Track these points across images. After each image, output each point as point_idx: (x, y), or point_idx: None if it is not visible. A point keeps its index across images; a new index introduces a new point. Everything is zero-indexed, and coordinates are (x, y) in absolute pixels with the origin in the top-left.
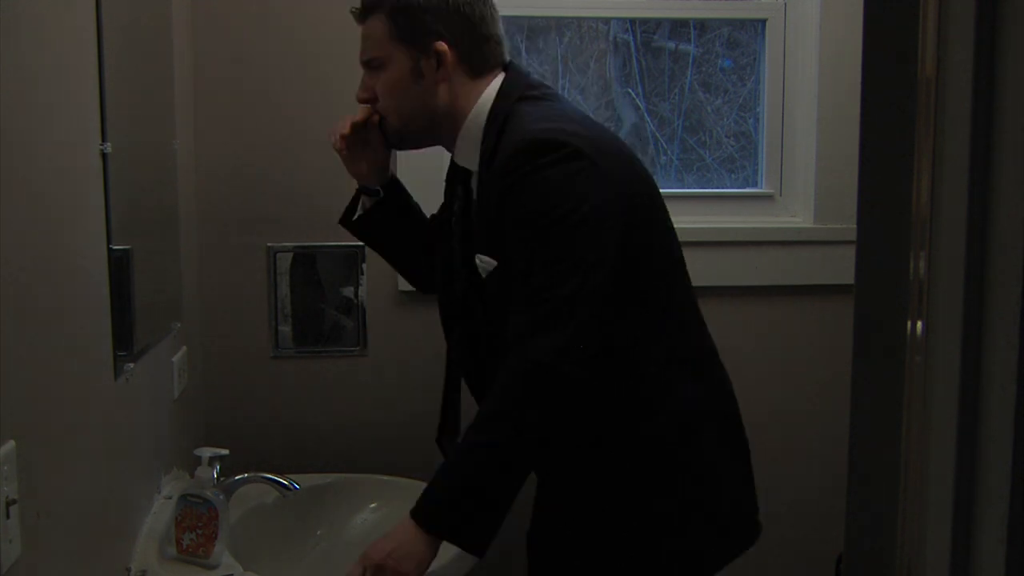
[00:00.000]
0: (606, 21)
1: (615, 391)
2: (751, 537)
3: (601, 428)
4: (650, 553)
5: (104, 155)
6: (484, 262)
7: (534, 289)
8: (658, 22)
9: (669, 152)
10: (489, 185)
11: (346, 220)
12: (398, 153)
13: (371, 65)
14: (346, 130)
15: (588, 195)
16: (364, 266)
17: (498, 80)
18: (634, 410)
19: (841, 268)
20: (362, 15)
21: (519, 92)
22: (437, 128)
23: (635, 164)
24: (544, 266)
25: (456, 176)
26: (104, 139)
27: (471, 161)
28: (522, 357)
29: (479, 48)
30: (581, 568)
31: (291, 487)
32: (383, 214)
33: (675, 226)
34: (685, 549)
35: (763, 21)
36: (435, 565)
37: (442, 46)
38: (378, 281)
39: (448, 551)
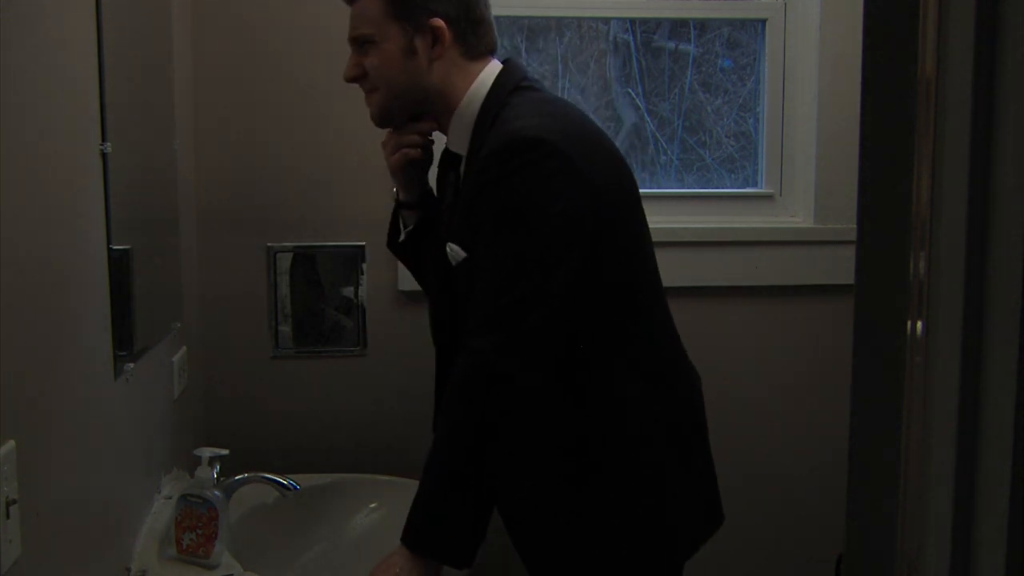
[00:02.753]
0: (606, 21)
1: (574, 397)
2: (715, 525)
3: (556, 435)
4: (601, 562)
5: (104, 155)
6: (454, 251)
7: (489, 286)
8: (658, 22)
9: (669, 152)
10: (470, 178)
11: (393, 243)
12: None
13: (359, 43)
14: (417, 153)
15: (560, 196)
16: (364, 266)
17: (493, 67)
18: (590, 418)
19: (841, 268)
20: None
21: (514, 83)
22: (427, 106)
23: (619, 167)
24: (501, 264)
25: (449, 163)
26: (104, 139)
27: (462, 146)
28: (465, 357)
29: (474, 29)
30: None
31: (291, 487)
32: (429, 226)
33: (675, 226)
34: (634, 559)
35: (763, 21)
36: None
37: (439, 23)
38: (378, 281)
39: None
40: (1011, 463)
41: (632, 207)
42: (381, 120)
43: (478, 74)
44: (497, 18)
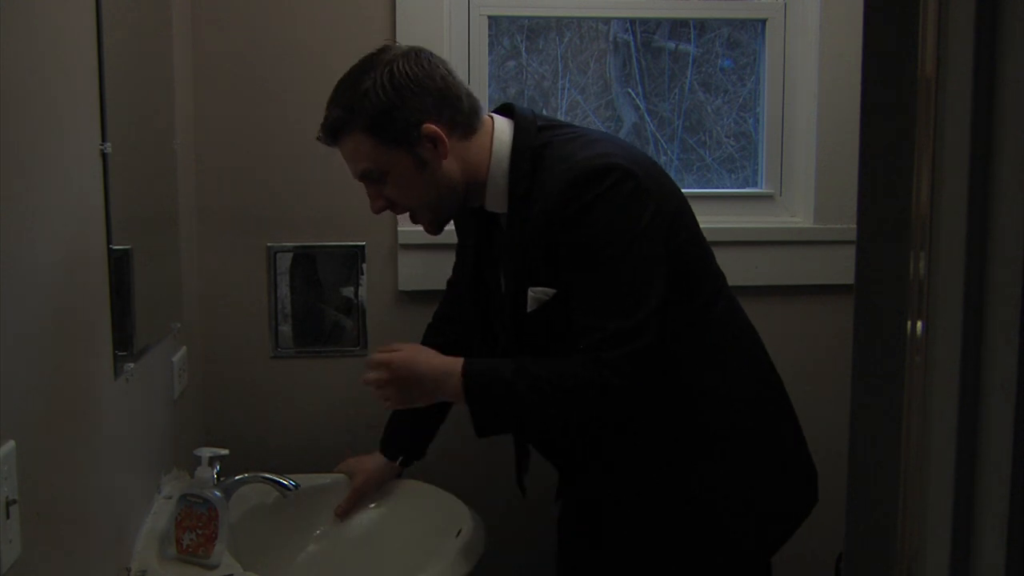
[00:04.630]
0: (606, 21)
1: (660, 385)
2: (806, 508)
3: (648, 419)
4: (692, 542)
5: (104, 155)
6: (539, 293)
7: (611, 301)
8: (658, 22)
9: (669, 152)
10: (540, 218)
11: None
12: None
13: (371, 177)
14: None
15: (641, 215)
16: (364, 266)
17: (500, 124)
18: (677, 401)
19: (841, 268)
20: (333, 138)
21: (534, 125)
22: (462, 196)
23: (657, 168)
24: (615, 280)
25: (482, 219)
26: (104, 139)
27: (501, 204)
28: (598, 355)
29: (458, 109)
30: (619, 559)
31: (291, 487)
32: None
33: None
34: (728, 538)
35: (763, 21)
36: (436, 567)
37: (430, 128)
38: (378, 281)
39: (448, 555)
40: (1011, 463)
41: (684, 209)
42: (437, 231)
43: (488, 139)
44: (497, 18)
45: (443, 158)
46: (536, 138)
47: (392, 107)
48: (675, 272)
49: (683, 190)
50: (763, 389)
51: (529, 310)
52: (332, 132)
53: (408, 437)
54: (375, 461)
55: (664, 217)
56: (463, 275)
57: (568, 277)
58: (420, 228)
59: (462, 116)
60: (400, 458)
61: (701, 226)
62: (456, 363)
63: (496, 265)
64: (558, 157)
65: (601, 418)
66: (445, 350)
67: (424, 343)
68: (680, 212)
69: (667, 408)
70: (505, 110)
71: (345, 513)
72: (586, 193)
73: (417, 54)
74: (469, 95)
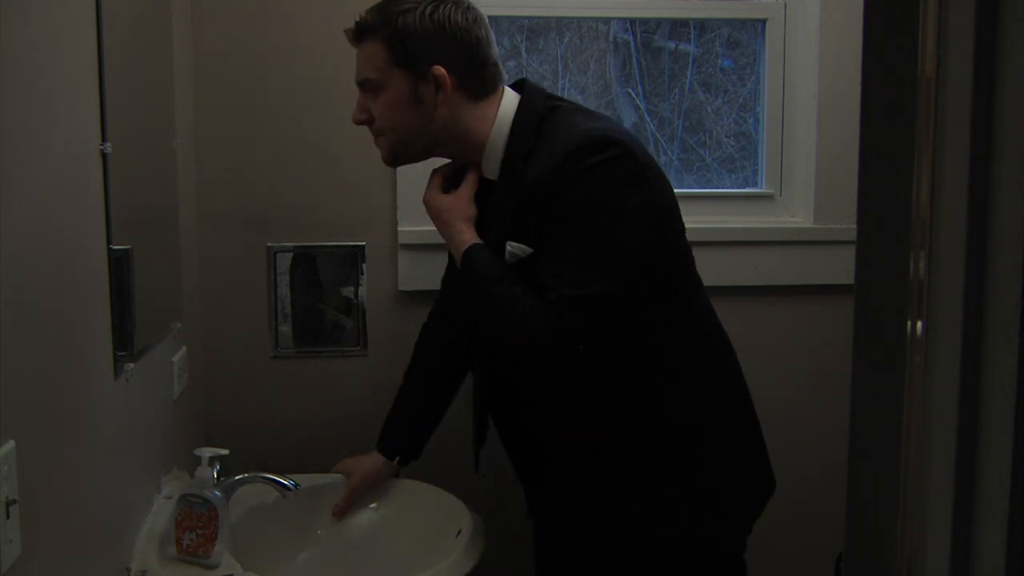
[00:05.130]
0: (606, 21)
1: (634, 378)
2: (760, 504)
3: (620, 415)
4: (659, 539)
5: (104, 155)
6: (516, 248)
7: (574, 267)
8: (658, 22)
9: (669, 152)
10: (537, 179)
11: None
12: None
13: (367, 87)
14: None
15: (633, 194)
16: (364, 266)
17: (510, 97)
18: (652, 397)
19: (841, 268)
20: (357, 37)
21: (543, 98)
22: (437, 148)
23: (663, 174)
24: (585, 250)
25: (483, 192)
26: (104, 139)
27: (496, 170)
28: (547, 317)
29: (477, 72)
30: (590, 554)
31: (291, 487)
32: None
33: None
34: (693, 536)
35: (763, 21)
36: (436, 567)
37: (440, 71)
38: (378, 281)
39: (448, 555)
40: (1011, 463)
41: (674, 205)
42: (391, 162)
43: (494, 109)
44: (497, 18)
45: (439, 105)
46: (543, 105)
47: (418, 35)
48: (662, 267)
49: (683, 190)
50: (734, 390)
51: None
52: (359, 32)
53: (406, 436)
54: (372, 460)
55: (658, 209)
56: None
57: (547, 237)
58: (420, 228)
59: (477, 79)
60: (397, 457)
61: (701, 226)
62: (469, 240)
63: (486, 230)
64: (564, 124)
65: (536, 367)
66: (443, 352)
67: (420, 344)
68: (675, 210)
69: (639, 405)
70: (518, 85)
71: (342, 512)
72: (585, 160)
73: (468, 8)
74: (495, 67)
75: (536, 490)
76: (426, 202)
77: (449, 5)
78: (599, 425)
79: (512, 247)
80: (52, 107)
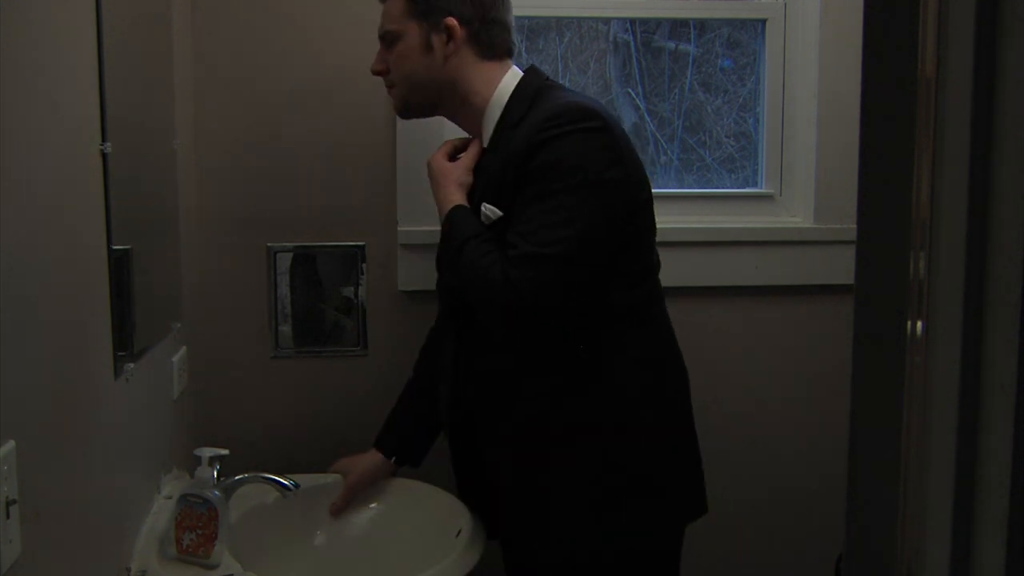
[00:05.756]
0: (606, 21)
1: (577, 372)
2: (697, 512)
3: (561, 387)
4: (604, 528)
5: (104, 155)
6: (488, 210)
7: (536, 227)
8: (658, 22)
9: (669, 152)
10: (518, 143)
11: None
12: (404, 123)
13: (386, 39)
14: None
15: (606, 166)
16: (364, 266)
17: (515, 72)
18: (592, 376)
19: (841, 268)
20: None
21: (541, 80)
22: (443, 99)
23: (641, 166)
24: (550, 213)
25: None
26: (104, 139)
27: (487, 139)
28: (503, 272)
29: (487, 30)
30: (546, 542)
31: (291, 487)
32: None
33: (675, 226)
34: (634, 524)
35: (763, 21)
36: (436, 567)
37: (452, 21)
38: (378, 281)
39: (448, 555)
40: (1011, 463)
41: (647, 203)
42: (402, 111)
43: (498, 75)
44: None
45: (448, 55)
46: (538, 87)
47: None
48: (625, 256)
49: (683, 190)
50: (679, 390)
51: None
52: None
53: (405, 436)
54: (370, 459)
55: (626, 189)
56: None
57: (518, 197)
58: (420, 228)
59: (489, 38)
60: (395, 456)
61: (701, 226)
62: (455, 201)
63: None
64: (551, 98)
65: (503, 320)
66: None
67: (427, 346)
68: (648, 203)
69: (592, 392)
70: (526, 70)
71: (339, 511)
72: (562, 126)
73: None
74: (506, 31)
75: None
76: (429, 163)
77: None
78: (542, 404)
79: (486, 208)
80: (52, 107)
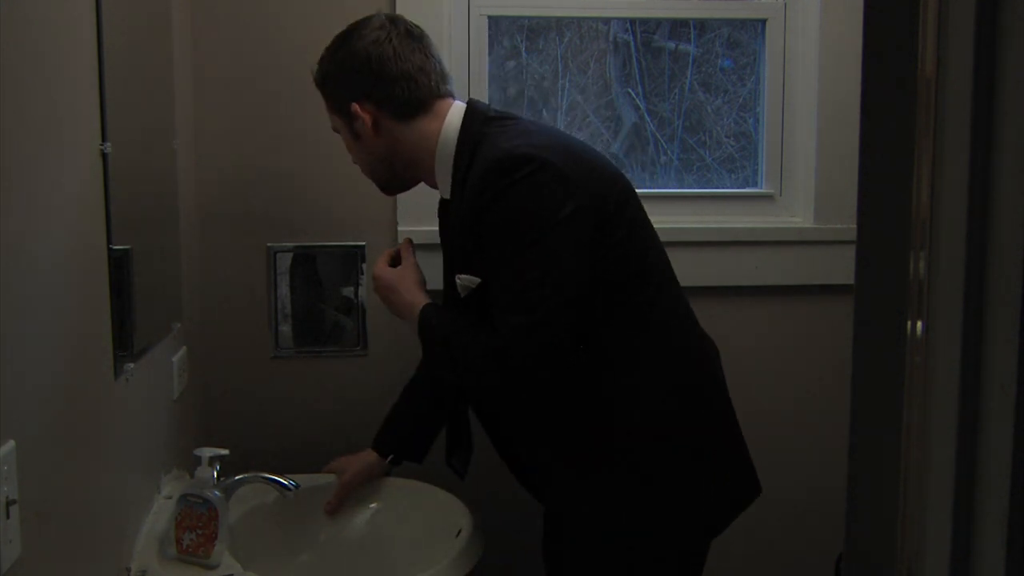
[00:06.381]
0: (606, 21)
1: (591, 384)
2: (751, 494)
3: (576, 419)
4: (656, 526)
5: (104, 155)
6: (465, 280)
7: (515, 294)
8: (658, 22)
9: (669, 152)
10: (463, 205)
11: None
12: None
13: (337, 131)
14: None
15: (561, 203)
16: (364, 266)
17: (456, 109)
18: (607, 404)
19: (841, 268)
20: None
21: (483, 116)
22: (401, 172)
23: (605, 168)
24: (523, 273)
25: (443, 207)
26: (104, 139)
27: (447, 189)
28: (497, 354)
29: (390, 94)
30: (599, 548)
31: (291, 487)
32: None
33: (675, 226)
34: (684, 521)
35: (763, 21)
36: (436, 567)
37: (354, 107)
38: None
39: (448, 555)
40: (1011, 463)
41: (629, 201)
42: (385, 192)
43: (433, 126)
44: (497, 18)
45: (373, 135)
46: (480, 128)
47: (329, 79)
48: (612, 269)
49: (683, 190)
50: (694, 392)
51: (462, 297)
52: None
53: (402, 435)
54: (364, 458)
55: (592, 212)
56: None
57: (486, 264)
58: (420, 228)
59: (397, 99)
60: (391, 455)
61: (701, 226)
62: (420, 303)
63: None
64: (488, 147)
65: (514, 394)
66: None
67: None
68: (622, 207)
69: (586, 409)
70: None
71: (334, 510)
72: (500, 181)
73: (379, 27)
74: (411, 80)
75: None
76: (375, 276)
77: (354, 37)
78: (563, 431)
79: (461, 279)
80: (52, 107)
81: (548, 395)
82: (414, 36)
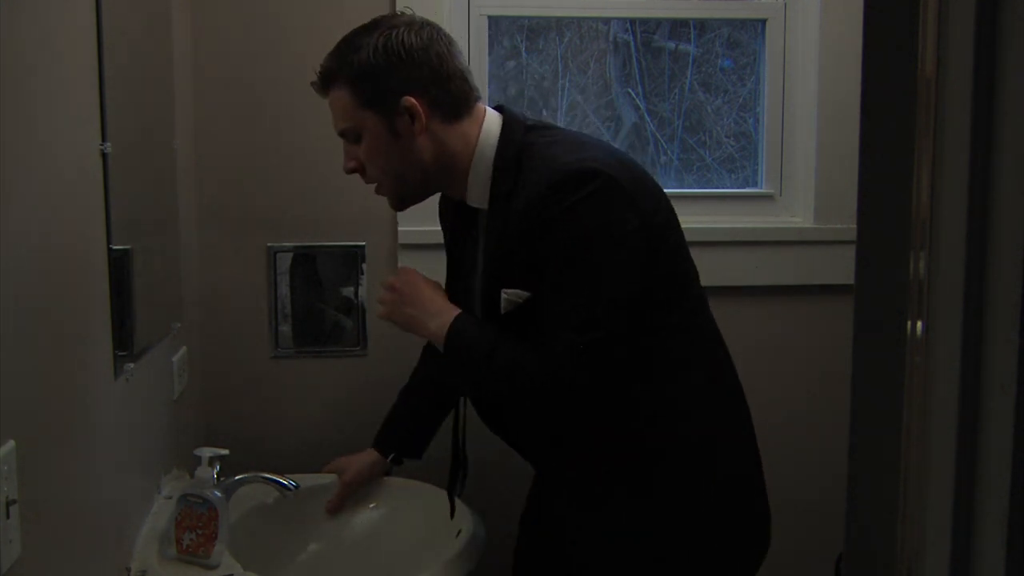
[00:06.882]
0: (606, 21)
1: (636, 396)
2: (765, 546)
3: (623, 434)
4: (678, 560)
5: (104, 155)
6: (512, 295)
7: (576, 309)
8: (658, 22)
9: (669, 152)
10: (513, 217)
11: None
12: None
13: (348, 136)
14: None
15: (626, 220)
16: (364, 266)
17: (492, 117)
18: (657, 414)
19: (841, 268)
20: (322, 88)
21: (522, 125)
22: (432, 179)
23: (651, 181)
24: (586, 288)
25: (464, 216)
26: (104, 139)
27: (483, 199)
28: (555, 368)
29: (447, 90)
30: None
31: (291, 487)
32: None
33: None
34: (712, 556)
35: (763, 21)
36: (436, 567)
37: (409, 100)
38: (378, 281)
39: (448, 555)
40: (1011, 463)
41: (670, 213)
42: (398, 206)
43: (473, 130)
44: (497, 18)
45: (418, 134)
46: (523, 137)
47: (378, 70)
48: (659, 284)
49: (683, 190)
50: (733, 411)
51: (503, 311)
52: (323, 81)
53: (403, 435)
54: (364, 457)
55: (649, 229)
56: (449, 278)
57: (544, 280)
58: (420, 228)
59: (448, 98)
60: (392, 455)
61: (701, 226)
62: (451, 311)
63: (474, 265)
64: (541, 158)
65: (555, 413)
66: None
67: (428, 347)
68: (669, 223)
69: (626, 425)
70: (498, 109)
71: (335, 509)
72: (567, 196)
73: (421, 27)
74: (463, 80)
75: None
76: (390, 287)
77: (401, 30)
78: (596, 447)
79: (508, 294)
80: (52, 107)
81: (594, 410)
82: (451, 38)
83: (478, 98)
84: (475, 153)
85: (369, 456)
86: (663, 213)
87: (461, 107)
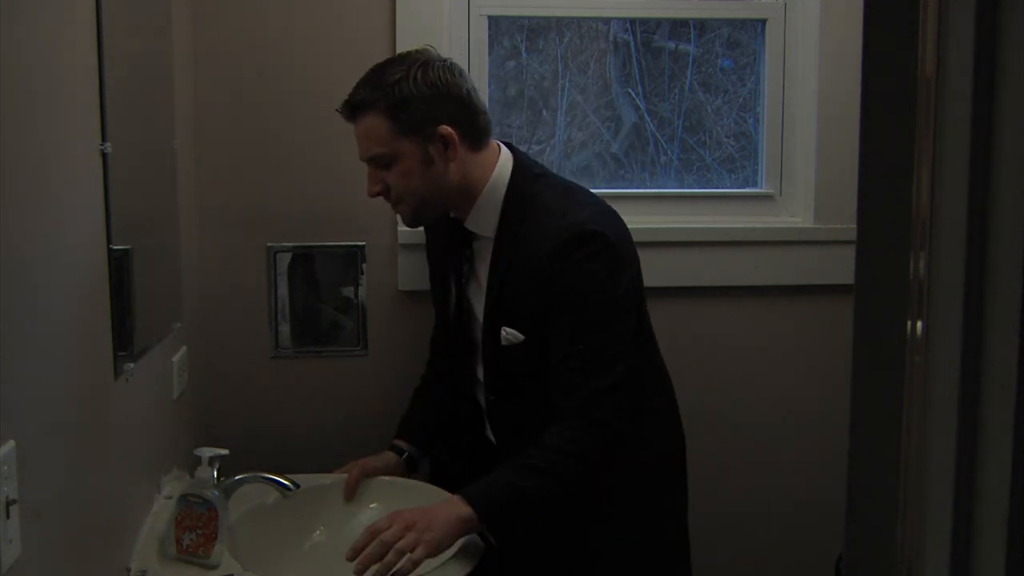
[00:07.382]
0: (606, 21)
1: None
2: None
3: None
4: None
5: (104, 155)
6: (510, 334)
7: (591, 359)
8: (658, 22)
9: (669, 152)
10: (517, 257)
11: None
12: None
13: (377, 161)
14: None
15: (621, 278)
16: (364, 266)
17: (505, 156)
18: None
19: (841, 268)
20: (353, 115)
21: (530, 172)
22: (451, 202)
23: (626, 230)
24: (596, 339)
25: (456, 232)
26: (104, 139)
27: (485, 227)
28: (588, 414)
29: (475, 123)
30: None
31: (291, 487)
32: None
33: (675, 226)
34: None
35: (763, 21)
36: (436, 567)
37: (447, 130)
38: (378, 281)
39: (448, 555)
40: (1011, 463)
41: (637, 263)
42: (415, 224)
43: (491, 162)
44: (497, 18)
45: (450, 160)
46: (529, 185)
47: (417, 99)
48: (638, 321)
49: (683, 190)
50: (675, 447)
51: (502, 344)
52: (353, 108)
53: (418, 433)
54: (383, 456)
55: (637, 279)
56: (434, 285)
57: (550, 331)
58: (420, 228)
59: (476, 130)
60: (406, 453)
61: (701, 226)
62: (453, 500)
63: (470, 280)
64: (549, 214)
65: (606, 457)
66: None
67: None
68: (638, 267)
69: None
70: (504, 145)
71: (352, 492)
72: (574, 253)
73: (451, 65)
74: (485, 115)
75: None
76: (394, 520)
77: (436, 64)
78: None
79: (507, 332)
80: (52, 107)
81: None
82: (470, 77)
83: (491, 133)
84: (488, 183)
85: (386, 456)
86: (636, 262)
87: (484, 139)
